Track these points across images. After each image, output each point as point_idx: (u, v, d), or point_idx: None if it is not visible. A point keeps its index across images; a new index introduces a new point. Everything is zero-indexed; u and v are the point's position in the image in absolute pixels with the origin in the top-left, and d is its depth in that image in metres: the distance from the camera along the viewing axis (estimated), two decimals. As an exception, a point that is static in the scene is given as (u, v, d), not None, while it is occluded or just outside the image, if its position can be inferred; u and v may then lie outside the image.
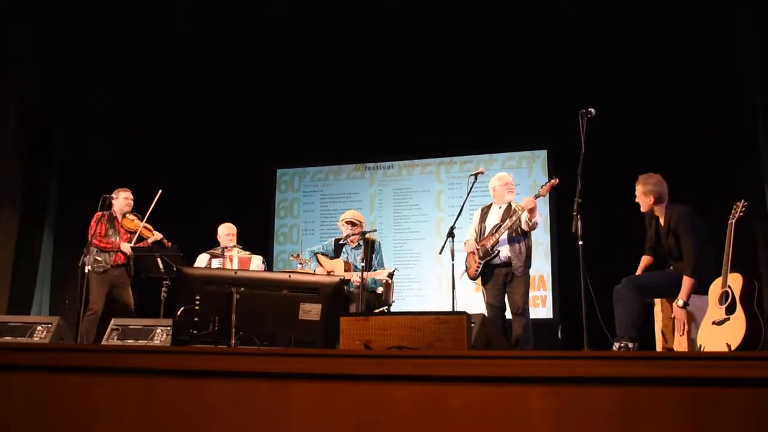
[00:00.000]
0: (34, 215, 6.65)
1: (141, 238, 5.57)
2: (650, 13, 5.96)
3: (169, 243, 5.56)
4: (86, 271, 5.26)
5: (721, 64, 5.71)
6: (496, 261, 4.86)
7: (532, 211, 4.72)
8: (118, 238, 5.51)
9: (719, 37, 5.73)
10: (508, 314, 4.94)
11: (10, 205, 6.35)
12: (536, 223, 4.83)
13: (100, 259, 5.40)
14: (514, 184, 5.12)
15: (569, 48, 6.29)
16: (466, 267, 5.08)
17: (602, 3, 6.08)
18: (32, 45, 6.54)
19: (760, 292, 3.52)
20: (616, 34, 6.08)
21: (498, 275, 4.87)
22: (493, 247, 4.84)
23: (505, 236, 4.83)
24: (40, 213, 6.72)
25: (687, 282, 3.83)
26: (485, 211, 5.11)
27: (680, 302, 3.82)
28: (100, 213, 5.50)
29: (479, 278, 4.99)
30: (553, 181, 4.79)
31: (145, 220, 5.57)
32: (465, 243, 5.09)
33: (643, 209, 4.19)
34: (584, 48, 6.22)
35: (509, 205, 4.95)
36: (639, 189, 4.16)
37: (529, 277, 4.89)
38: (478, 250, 4.92)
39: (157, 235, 5.56)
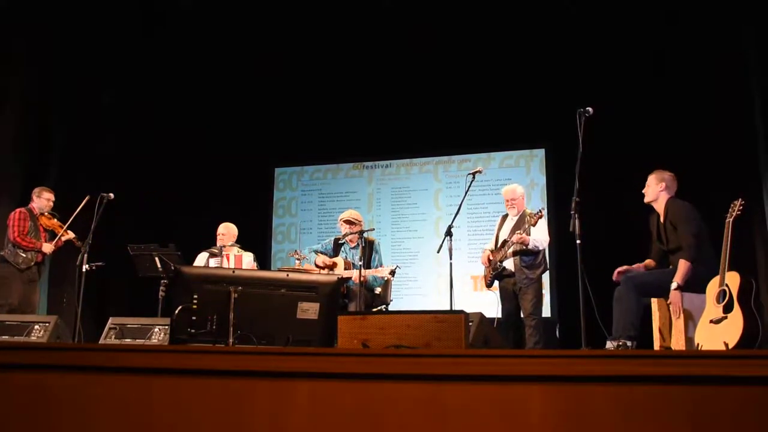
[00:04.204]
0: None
1: (56, 237, 5.66)
2: (650, 12, 5.96)
3: (79, 243, 5.55)
4: (84, 270, 5.25)
5: (721, 63, 5.71)
6: (506, 273, 4.96)
7: (523, 243, 4.80)
8: (39, 235, 5.60)
9: (719, 36, 5.73)
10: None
11: (9, 204, 6.33)
12: (537, 246, 4.86)
13: (24, 256, 5.47)
14: (518, 194, 5.09)
15: (568, 47, 6.29)
16: (484, 275, 5.18)
17: (602, 2, 6.08)
18: (32, 44, 6.52)
19: (757, 290, 3.53)
20: (616, 33, 6.08)
21: (507, 286, 4.96)
22: (501, 261, 4.92)
23: (511, 251, 4.88)
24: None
25: (683, 264, 3.82)
26: (501, 222, 5.19)
27: (674, 284, 3.81)
28: (21, 210, 5.58)
29: (496, 289, 5.08)
30: (540, 212, 4.80)
31: (70, 221, 5.61)
32: (482, 252, 5.15)
33: (648, 198, 4.17)
34: (583, 47, 6.22)
35: (522, 214, 4.98)
36: (653, 177, 4.16)
37: (540, 284, 4.93)
38: (491, 261, 4.99)
39: (71, 235, 5.63)
